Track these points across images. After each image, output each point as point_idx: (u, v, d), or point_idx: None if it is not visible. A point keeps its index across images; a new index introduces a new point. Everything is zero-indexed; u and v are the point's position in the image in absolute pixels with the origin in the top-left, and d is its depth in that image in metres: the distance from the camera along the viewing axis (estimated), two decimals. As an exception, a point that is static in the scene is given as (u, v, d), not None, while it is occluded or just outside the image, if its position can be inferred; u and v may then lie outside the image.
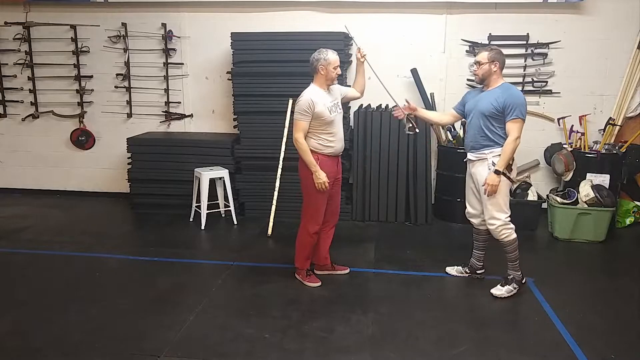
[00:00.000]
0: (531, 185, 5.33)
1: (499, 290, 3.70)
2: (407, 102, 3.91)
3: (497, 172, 3.51)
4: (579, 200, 4.85)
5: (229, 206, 5.29)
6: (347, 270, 4.12)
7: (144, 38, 5.86)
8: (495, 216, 3.61)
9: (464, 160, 3.83)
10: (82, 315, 3.42)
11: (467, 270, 4.03)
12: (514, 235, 3.66)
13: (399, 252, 4.60)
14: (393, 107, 4.00)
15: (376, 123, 5.28)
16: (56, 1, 5.87)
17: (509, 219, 3.64)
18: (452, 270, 4.09)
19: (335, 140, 3.69)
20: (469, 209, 3.90)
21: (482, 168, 3.63)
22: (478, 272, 4.00)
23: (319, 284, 3.88)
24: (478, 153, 3.64)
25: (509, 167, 3.58)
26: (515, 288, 3.71)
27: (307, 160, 3.61)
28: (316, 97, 3.58)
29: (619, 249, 4.80)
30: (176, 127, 6.06)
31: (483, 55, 3.57)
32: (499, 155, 3.54)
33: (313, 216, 3.77)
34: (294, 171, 5.29)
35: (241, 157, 5.49)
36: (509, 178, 3.59)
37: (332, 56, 3.62)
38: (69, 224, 5.36)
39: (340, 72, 3.70)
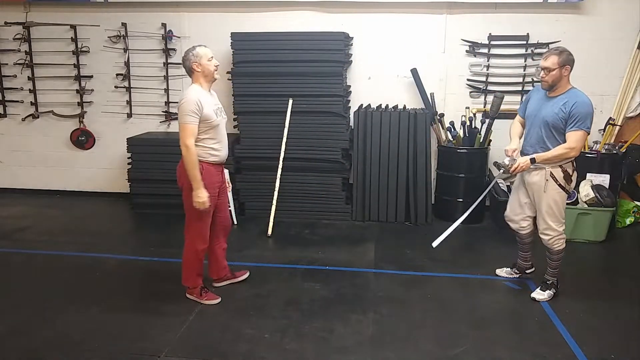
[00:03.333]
0: (569, 193, 5.30)
1: (540, 295, 3.64)
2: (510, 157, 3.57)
3: (532, 160, 3.38)
4: (579, 200, 4.85)
5: (229, 206, 5.29)
6: (247, 274, 3.93)
7: (144, 38, 5.86)
8: (552, 227, 3.51)
9: None
10: (82, 315, 3.42)
11: (516, 270, 3.97)
12: (564, 245, 3.60)
13: (399, 252, 4.59)
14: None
15: (376, 123, 5.27)
16: (56, 1, 5.87)
17: (564, 228, 3.56)
18: (501, 272, 4.03)
19: (221, 148, 3.46)
20: (508, 212, 3.82)
21: (539, 178, 3.47)
22: (527, 271, 3.95)
23: (219, 300, 3.61)
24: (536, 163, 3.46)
25: (569, 177, 3.44)
26: (554, 292, 3.68)
27: (191, 175, 3.27)
28: (202, 97, 3.28)
29: (619, 249, 4.80)
30: (176, 127, 6.02)
31: (553, 60, 3.28)
32: (559, 166, 3.40)
33: (199, 233, 3.47)
34: (294, 171, 5.35)
35: (241, 157, 5.49)
36: (565, 189, 3.46)
37: (201, 49, 3.33)
38: (68, 224, 5.36)
39: (218, 63, 3.41)
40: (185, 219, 3.54)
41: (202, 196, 3.30)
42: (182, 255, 3.61)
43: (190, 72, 3.38)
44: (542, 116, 3.41)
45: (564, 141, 3.36)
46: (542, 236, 3.58)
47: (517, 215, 3.76)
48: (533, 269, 3.94)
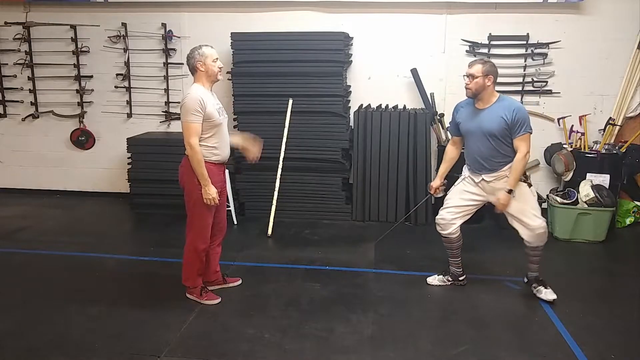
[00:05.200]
0: (531, 185, 5.32)
1: (551, 294, 3.59)
2: (431, 191, 3.89)
3: (509, 191, 3.42)
4: (579, 200, 4.85)
5: (229, 206, 5.29)
6: (239, 282, 3.91)
7: (144, 38, 5.86)
8: (541, 217, 3.52)
9: (464, 177, 3.68)
10: (82, 315, 3.42)
11: (448, 278, 3.90)
12: None
13: (399, 252, 4.60)
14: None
15: (376, 123, 5.28)
16: (56, 1, 5.87)
17: None
18: (433, 280, 3.93)
19: (222, 147, 3.45)
20: (448, 217, 3.70)
21: (502, 186, 3.50)
22: (460, 278, 3.88)
23: (219, 300, 3.61)
24: (496, 173, 3.49)
25: (524, 173, 3.54)
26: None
27: (198, 172, 3.29)
28: (204, 96, 3.28)
29: (619, 249, 4.80)
30: (176, 127, 6.06)
31: (477, 68, 3.38)
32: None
33: (200, 232, 3.47)
34: (294, 171, 5.35)
35: (241, 157, 5.46)
36: (528, 183, 3.55)
37: (207, 50, 3.33)
38: (69, 224, 5.36)
39: (222, 65, 3.42)
40: (186, 219, 3.53)
41: (211, 192, 3.33)
42: (182, 255, 3.60)
43: (193, 70, 3.37)
44: (486, 129, 3.43)
45: (512, 143, 3.44)
46: (538, 231, 3.51)
47: (455, 220, 3.70)
48: (465, 276, 3.89)
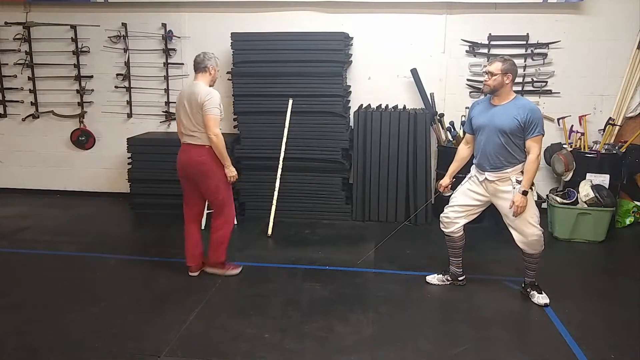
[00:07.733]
0: (533, 186, 5.33)
1: (544, 298, 3.58)
2: (438, 190, 3.92)
3: (524, 192, 3.40)
4: (579, 200, 4.85)
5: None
6: (240, 269, 4.13)
7: (144, 38, 5.86)
8: (537, 226, 3.50)
9: (470, 177, 3.68)
10: (82, 315, 3.42)
11: (448, 277, 3.90)
12: None
13: (399, 252, 4.60)
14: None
15: (376, 123, 5.28)
16: (56, 1, 5.87)
17: None
18: (432, 279, 3.94)
19: None
20: (452, 216, 3.72)
21: (505, 188, 3.49)
22: (460, 278, 3.88)
23: (241, 269, 4.08)
24: (500, 172, 3.47)
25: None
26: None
27: (224, 156, 3.78)
28: None
29: (619, 249, 4.80)
30: (176, 127, 6.05)
31: (496, 66, 3.38)
32: (521, 172, 3.45)
33: (232, 208, 4.00)
34: (294, 171, 5.35)
35: (241, 157, 5.49)
36: (531, 188, 3.51)
37: (218, 61, 3.93)
38: (69, 224, 5.36)
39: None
40: (213, 204, 3.96)
41: (234, 170, 3.87)
42: (186, 252, 3.90)
43: (204, 70, 3.81)
44: (498, 124, 3.43)
45: (521, 144, 3.43)
46: (531, 239, 3.51)
47: (459, 219, 3.71)
48: (464, 277, 3.89)
